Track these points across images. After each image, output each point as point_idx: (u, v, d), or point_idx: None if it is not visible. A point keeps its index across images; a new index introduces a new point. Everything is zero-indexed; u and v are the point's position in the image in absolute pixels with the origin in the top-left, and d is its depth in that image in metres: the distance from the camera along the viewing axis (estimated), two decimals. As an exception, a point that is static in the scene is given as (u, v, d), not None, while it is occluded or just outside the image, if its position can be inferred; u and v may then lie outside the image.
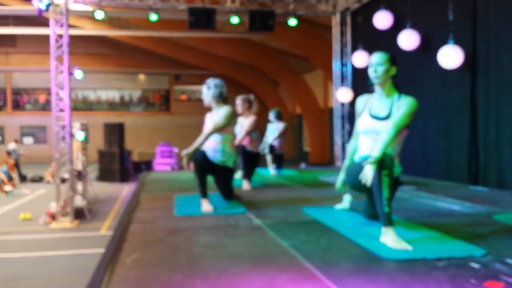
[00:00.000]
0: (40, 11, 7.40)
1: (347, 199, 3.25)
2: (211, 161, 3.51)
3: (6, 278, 5.06)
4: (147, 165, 14.59)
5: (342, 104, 9.05)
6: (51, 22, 7.84)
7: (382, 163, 2.27)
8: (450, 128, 5.73)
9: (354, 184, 2.41)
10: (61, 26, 7.88)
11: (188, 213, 3.24)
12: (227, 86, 3.77)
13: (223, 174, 3.63)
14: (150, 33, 15.93)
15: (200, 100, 25.25)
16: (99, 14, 8.08)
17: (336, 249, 2.30)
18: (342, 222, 2.84)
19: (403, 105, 2.45)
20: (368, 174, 2.24)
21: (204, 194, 3.37)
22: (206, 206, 3.31)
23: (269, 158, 6.17)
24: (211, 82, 3.66)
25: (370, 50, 7.08)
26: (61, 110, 7.91)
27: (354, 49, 8.38)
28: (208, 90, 3.64)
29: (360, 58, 7.72)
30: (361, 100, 2.69)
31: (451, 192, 4.42)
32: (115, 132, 13.73)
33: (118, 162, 13.40)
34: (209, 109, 3.83)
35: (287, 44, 14.44)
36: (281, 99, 21.52)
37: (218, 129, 3.50)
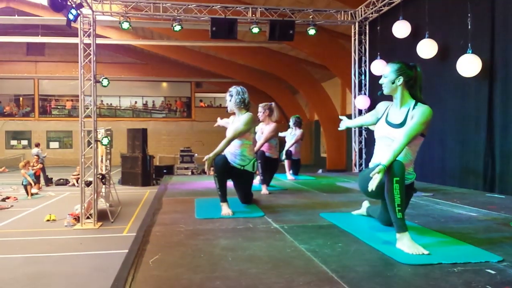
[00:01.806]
0: (69, 21, 7.65)
1: (365, 206, 3.27)
2: (230, 165, 3.59)
3: (30, 276, 5.08)
4: (168, 170, 14.84)
5: (360, 111, 9.05)
6: (80, 32, 8.12)
7: (393, 170, 2.29)
8: (467, 136, 5.68)
9: (367, 190, 2.46)
10: (89, 36, 8.18)
11: (208, 217, 3.30)
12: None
13: (242, 178, 3.70)
14: (173, 43, 16.30)
15: (220, 107, 25.54)
16: (125, 25, 8.38)
17: (353, 253, 2.31)
18: (359, 227, 2.87)
19: (416, 114, 2.46)
20: (373, 181, 2.28)
21: (224, 198, 3.43)
22: (225, 210, 3.37)
23: (286, 163, 6.25)
24: (234, 89, 3.75)
25: (388, 59, 7.08)
26: (88, 116, 8.18)
27: (372, 58, 8.39)
28: (230, 98, 3.73)
29: (378, 67, 7.73)
30: (383, 105, 2.73)
31: (468, 198, 4.37)
32: (138, 138, 14.00)
33: (140, 166, 13.63)
34: (230, 115, 3.96)
35: (306, 53, 14.49)
36: (300, 106, 21.53)
37: (238, 135, 3.58)
